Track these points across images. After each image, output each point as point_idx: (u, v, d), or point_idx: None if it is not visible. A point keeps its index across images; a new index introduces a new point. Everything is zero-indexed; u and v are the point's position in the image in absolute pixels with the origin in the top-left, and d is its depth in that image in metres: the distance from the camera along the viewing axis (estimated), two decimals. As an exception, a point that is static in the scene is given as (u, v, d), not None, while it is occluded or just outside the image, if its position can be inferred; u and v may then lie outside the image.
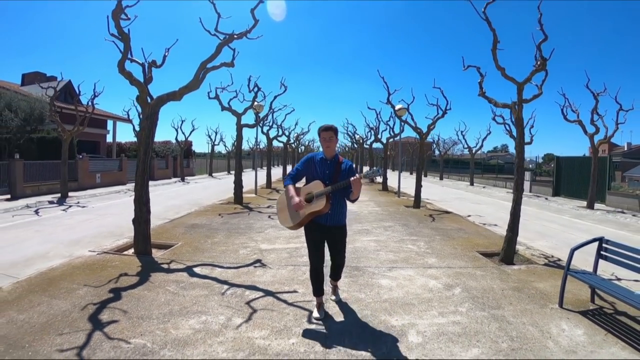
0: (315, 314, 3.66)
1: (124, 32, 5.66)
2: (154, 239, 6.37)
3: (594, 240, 4.18)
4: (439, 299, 4.15)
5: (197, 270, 5.04)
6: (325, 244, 3.59)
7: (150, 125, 5.83)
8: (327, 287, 4.09)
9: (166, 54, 6.70)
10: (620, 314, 3.88)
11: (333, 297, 4.03)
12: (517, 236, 5.84)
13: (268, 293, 4.22)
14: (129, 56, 5.88)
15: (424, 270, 5.24)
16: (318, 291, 3.65)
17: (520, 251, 6.38)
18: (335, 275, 3.87)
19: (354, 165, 3.49)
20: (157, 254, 5.85)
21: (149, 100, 5.97)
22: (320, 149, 3.65)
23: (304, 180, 3.62)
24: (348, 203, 3.58)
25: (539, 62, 5.89)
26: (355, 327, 3.44)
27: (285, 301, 3.99)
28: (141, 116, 5.93)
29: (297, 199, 3.30)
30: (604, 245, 4.13)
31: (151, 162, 5.85)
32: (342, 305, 3.94)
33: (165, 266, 5.20)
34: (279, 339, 3.17)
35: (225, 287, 4.40)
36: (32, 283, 4.45)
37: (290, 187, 3.43)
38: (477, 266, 5.48)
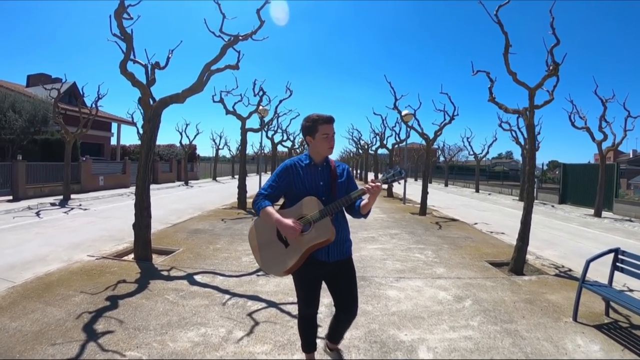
0: None
1: (126, 32, 5.55)
2: (155, 243, 6.24)
3: (610, 251, 4.00)
4: (449, 312, 3.96)
5: (197, 278, 4.88)
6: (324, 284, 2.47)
7: (152, 128, 5.70)
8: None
9: (170, 55, 6.61)
10: (636, 328, 3.71)
11: None
12: (528, 245, 5.66)
13: (271, 304, 4.04)
14: (132, 57, 5.78)
15: (432, 280, 5.05)
16: (310, 345, 2.55)
17: (530, 261, 6.18)
18: (339, 333, 2.65)
19: (350, 168, 2.57)
20: (157, 260, 5.70)
21: (152, 102, 5.86)
22: (305, 151, 2.51)
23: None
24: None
25: (551, 67, 5.73)
26: (362, 342, 3.25)
27: (289, 313, 3.81)
28: (143, 119, 5.80)
29: (289, 223, 2.14)
30: (619, 256, 3.95)
31: (153, 165, 5.71)
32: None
33: (165, 273, 5.04)
34: (282, 355, 2.99)
35: (227, 296, 4.24)
36: (27, 288, 4.33)
37: (271, 210, 2.22)
38: (486, 277, 5.29)
